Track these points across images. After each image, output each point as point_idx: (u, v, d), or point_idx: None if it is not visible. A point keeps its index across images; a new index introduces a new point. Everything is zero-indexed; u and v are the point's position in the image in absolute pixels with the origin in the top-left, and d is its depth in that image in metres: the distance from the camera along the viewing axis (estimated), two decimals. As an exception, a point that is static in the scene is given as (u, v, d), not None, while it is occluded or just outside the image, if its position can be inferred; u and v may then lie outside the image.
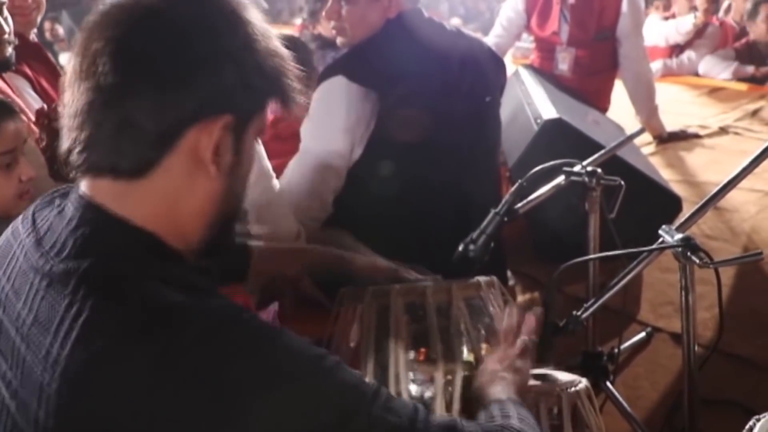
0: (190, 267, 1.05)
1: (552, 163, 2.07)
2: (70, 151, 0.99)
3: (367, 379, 1.06)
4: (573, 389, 1.49)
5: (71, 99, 0.98)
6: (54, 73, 2.68)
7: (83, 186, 1.01)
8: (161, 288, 0.93)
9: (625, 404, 2.27)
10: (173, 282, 0.95)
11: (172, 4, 0.97)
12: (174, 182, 0.99)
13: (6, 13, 2.15)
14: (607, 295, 1.79)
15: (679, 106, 5.59)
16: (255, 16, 1.03)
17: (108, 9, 0.98)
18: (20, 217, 1.10)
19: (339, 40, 2.36)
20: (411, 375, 1.54)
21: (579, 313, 1.75)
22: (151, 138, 0.96)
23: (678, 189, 3.66)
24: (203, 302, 0.94)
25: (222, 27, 0.99)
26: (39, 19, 2.78)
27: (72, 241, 0.96)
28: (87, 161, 0.98)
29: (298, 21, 9.27)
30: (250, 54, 1.00)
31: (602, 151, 2.35)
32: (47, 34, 7.67)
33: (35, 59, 2.58)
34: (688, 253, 1.64)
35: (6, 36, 2.15)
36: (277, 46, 1.05)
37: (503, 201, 2.01)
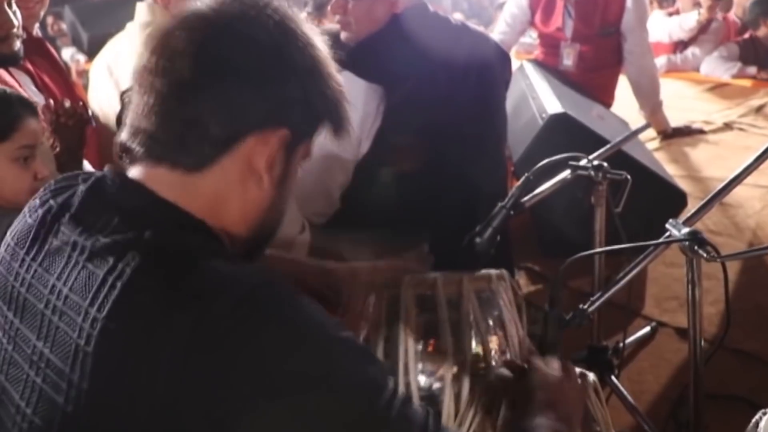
0: (232, 252, 1.07)
1: (558, 156, 2.07)
2: (129, 140, 1.03)
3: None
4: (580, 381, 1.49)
5: (140, 93, 1.02)
6: (56, 68, 2.68)
7: (133, 172, 1.04)
8: (207, 256, 0.95)
9: (629, 398, 2.27)
10: (219, 254, 0.98)
11: (251, 18, 1.02)
12: (226, 183, 1.03)
13: (15, 6, 2.14)
14: (614, 289, 1.79)
15: (683, 101, 5.58)
16: (321, 44, 1.08)
17: (189, 15, 1.03)
18: (35, 201, 1.11)
19: (343, 35, 2.34)
20: (420, 366, 1.55)
21: (585, 306, 1.75)
22: (214, 138, 1.00)
23: (682, 184, 3.66)
24: (245, 270, 0.95)
25: (293, 46, 1.03)
26: (42, 13, 2.78)
27: (117, 218, 0.98)
28: (149, 150, 1.02)
29: (302, 15, 9.27)
30: (314, 76, 1.05)
31: (608, 146, 2.35)
32: (50, 29, 7.66)
33: (38, 54, 2.57)
34: (696, 247, 1.64)
35: (15, 30, 2.15)
36: (337, 75, 1.09)
37: (509, 194, 2.01)
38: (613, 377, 2.32)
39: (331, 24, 2.43)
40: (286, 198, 1.12)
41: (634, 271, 1.81)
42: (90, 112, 2.23)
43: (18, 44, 2.18)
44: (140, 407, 0.86)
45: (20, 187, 1.79)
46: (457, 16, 7.64)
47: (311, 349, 0.91)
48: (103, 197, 1.02)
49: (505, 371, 1.46)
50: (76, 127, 2.13)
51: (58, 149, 2.09)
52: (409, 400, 1.01)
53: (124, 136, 1.04)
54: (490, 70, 2.44)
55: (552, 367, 1.39)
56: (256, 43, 1.01)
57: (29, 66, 2.45)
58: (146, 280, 0.91)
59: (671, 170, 3.97)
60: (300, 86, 1.03)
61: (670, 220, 1.74)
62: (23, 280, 1.03)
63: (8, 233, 1.11)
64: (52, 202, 1.07)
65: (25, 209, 1.12)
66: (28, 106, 1.83)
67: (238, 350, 0.87)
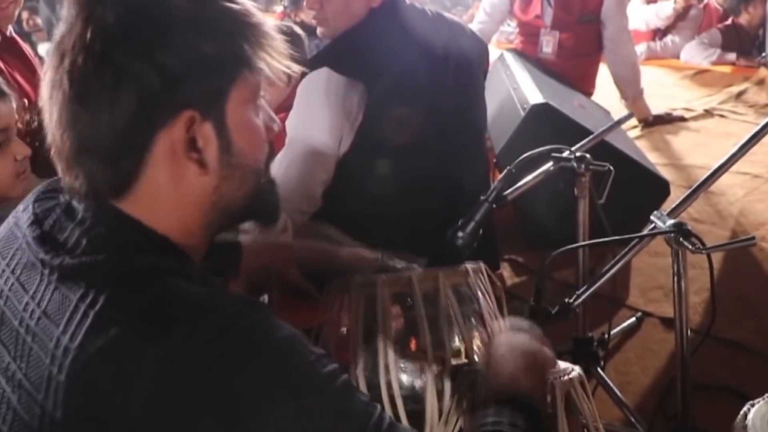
0: (201, 267, 1.04)
1: (541, 149, 2.06)
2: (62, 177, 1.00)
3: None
4: (566, 377, 1.48)
5: (48, 120, 0.98)
6: (29, 67, 2.65)
7: None
8: (179, 281, 0.91)
9: (616, 390, 2.27)
10: (189, 276, 0.94)
11: (80, 26, 0.93)
12: (163, 188, 0.97)
13: None
14: (599, 282, 1.77)
15: (663, 89, 5.60)
16: None
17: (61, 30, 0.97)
18: (21, 207, 1.08)
19: (319, 31, 2.31)
20: (401, 365, 1.53)
21: (571, 300, 1.73)
22: (111, 160, 0.95)
23: (664, 172, 3.65)
24: (220, 297, 0.93)
25: (128, 30, 0.92)
26: (16, 13, 2.74)
27: (86, 239, 0.94)
28: (71, 188, 0.98)
29: (278, 9, 9.23)
30: (168, 45, 0.93)
31: (591, 137, 2.33)
32: (25, 25, 7.59)
33: (10, 53, 2.54)
34: (681, 239, 1.63)
35: None
36: (217, 15, 0.97)
37: (492, 187, 1.99)
38: (599, 369, 2.31)
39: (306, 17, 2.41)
40: (248, 157, 1.03)
41: (620, 264, 1.79)
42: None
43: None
44: None
45: (2, 173, 1.76)
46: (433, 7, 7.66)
47: (296, 379, 0.90)
48: (73, 215, 0.98)
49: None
50: (34, 131, 2.08)
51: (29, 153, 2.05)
52: (396, 423, 1.01)
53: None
54: (468, 59, 2.43)
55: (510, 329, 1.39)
56: (93, 49, 0.92)
57: (1, 65, 2.41)
58: (119, 310, 0.88)
59: (653, 158, 3.97)
60: (155, 66, 0.91)
61: (655, 212, 1.73)
62: (2, 291, 1.00)
63: None
64: (31, 210, 1.03)
65: (11, 216, 1.08)
66: None
67: (219, 381, 0.85)
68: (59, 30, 0.96)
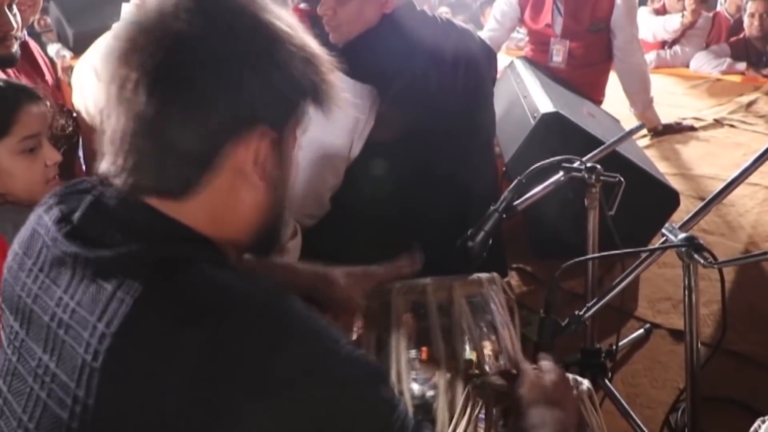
0: (236, 264, 1.05)
1: (551, 159, 2.05)
2: (112, 173, 0.99)
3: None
4: (574, 391, 1.48)
5: (110, 125, 0.98)
6: (37, 70, 2.65)
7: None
8: (212, 268, 0.93)
9: (623, 402, 2.25)
10: (223, 265, 0.97)
11: (199, 29, 0.96)
12: (220, 197, 1.00)
13: (15, 9, 2.12)
14: (609, 295, 1.77)
15: (672, 98, 5.59)
16: (276, 15, 1.01)
17: (137, 35, 0.96)
18: (40, 209, 1.09)
19: (332, 37, 2.32)
20: (413, 374, 1.53)
21: (581, 312, 1.73)
22: (191, 161, 0.96)
23: (674, 182, 3.65)
24: (256, 285, 0.94)
25: (241, 39, 0.96)
26: (31, 20, 2.74)
27: (121, 233, 0.96)
28: (133, 185, 0.98)
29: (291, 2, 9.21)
30: (272, 61, 0.98)
31: (601, 147, 2.33)
32: (36, 25, 7.59)
33: (21, 57, 2.54)
34: (693, 253, 1.62)
35: (14, 32, 2.12)
36: (305, 43, 1.02)
37: (502, 198, 1.98)
38: (606, 380, 2.30)
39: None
40: (286, 189, 1.08)
41: (630, 277, 1.79)
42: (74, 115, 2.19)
43: (16, 46, 2.17)
44: (149, 424, 0.86)
45: (32, 179, 1.76)
46: (443, 9, 7.65)
47: (330, 367, 0.91)
48: (104, 211, 1.00)
49: (497, 379, 1.45)
50: (68, 136, 2.08)
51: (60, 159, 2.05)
52: (420, 422, 1.02)
53: (104, 167, 1.00)
54: (477, 65, 2.44)
55: (544, 369, 1.39)
56: (204, 55, 0.95)
57: (10, 69, 2.41)
58: (157, 296, 0.90)
59: (662, 168, 3.96)
60: (257, 79, 0.96)
61: (667, 225, 1.72)
62: (30, 290, 1.02)
63: (15, 241, 1.10)
64: (56, 210, 1.04)
65: (31, 217, 1.10)
66: (26, 93, 1.77)
67: (255, 366, 0.86)
68: (146, 14, 0.97)
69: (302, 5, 3.35)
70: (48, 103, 1.81)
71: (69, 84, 2.63)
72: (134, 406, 0.86)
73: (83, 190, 1.06)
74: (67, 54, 5.88)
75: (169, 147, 0.95)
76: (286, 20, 1.02)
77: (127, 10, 2.53)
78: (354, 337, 1.66)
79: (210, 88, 0.94)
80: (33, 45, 2.82)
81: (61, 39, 6.81)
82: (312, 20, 3.23)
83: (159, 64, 0.94)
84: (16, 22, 2.13)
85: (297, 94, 1.02)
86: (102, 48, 1.00)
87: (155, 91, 0.94)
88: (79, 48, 5.52)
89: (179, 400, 0.84)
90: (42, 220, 1.05)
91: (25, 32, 2.73)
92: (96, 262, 0.94)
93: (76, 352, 0.91)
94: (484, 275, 1.71)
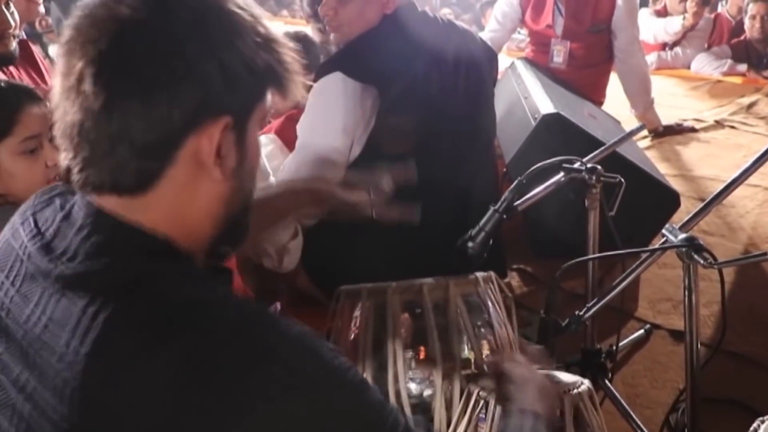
0: (204, 269, 1.03)
1: (552, 160, 2.05)
2: (68, 169, 0.97)
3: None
4: (575, 391, 1.48)
5: (62, 118, 0.95)
6: (37, 70, 2.65)
7: (90, 196, 0.99)
8: (184, 285, 0.92)
9: (624, 402, 2.25)
10: (192, 278, 0.95)
11: (146, 13, 0.92)
12: (180, 190, 0.97)
13: (12, 7, 2.12)
14: (609, 296, 1.77)
15: (673, 99, 5.58)
16: (238, 4, 0.98)
17: (82, 24, 0.94)
18: (17, 217, 1.07)
19: (333, 37, 2.33)
20: (410, 374, 1.54)
21: (581, 313, 1.73)
22: (146, 153, 0.93)
23: (674, 183, 3.64)
24: (228, 298, 0.93)
25: (200, 28, 0.94)
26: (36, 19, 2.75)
27: (85, 247, 0.94)
28: (88, 181, 0.96)
29: (285, 12, 9.22)
30: (234, 50, 0.95)
31: (602, 148, 2.33)
32: (37, 25, 7.60)
33: (22, 58, 2.55)
34: (693, 254, 1.62)
35: (11, 30, 2.12)
36: (268, 32, 1.00)
37: (502, 198, 1.98)
38: (606, 381, 2.30)
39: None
40: (252, 175, 1.06)
41: (630, 278, 1.79)
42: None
43: (14, 44, 2.17)
44: None
45: (33, 180, 1.76)
46: (446, 11, 7.66)
47: (312, 373, 0.90)
48: (72, 222, 0.98)
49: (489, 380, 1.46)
50: None
51: None
52: (411, 426, 1.01)
53: (62, 161, 0.98)
54: (478, 67, 2.45)
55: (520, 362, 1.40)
56: (157, 42, 0.92)
57: (11, 68, 2.42)
58: (126, 316, 0.88)
59: (663, 169, 3.95)
60: (219, 68, 0.93)
61: (667, 226, 1.72)
62: (2, 304, 0.99)
63: None
64: (31, 221, 1.03)
65: (7, 227, 1.08)
66: (27, 94, 1.77)
67: (235, 381, 0.85)
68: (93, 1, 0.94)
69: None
70: (48, 104, 1.81)
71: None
72: (116, 425, 0.85)
73: (57, 195, 1.05)
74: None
75: (120, 140, 0.92)
76: (248, 8, 0.99)
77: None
78: (351, 336, 1.66)
79: (163, 77, 0.91)
80: (33, 48, 2.82)
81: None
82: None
83: (102, 52, 0.91)
84: (14, 20, 2.13)
85: (259, 83, 1.00)
86: None
87: (100, 80, 0.90)
88: (80, 48, 5.52)
89: (156, 420, 0.84)
90: (17, 233, 1.04)
91: (23, 33, 2.74)
92: (65, 278, 0.93)
93: (55, 368, 0.89)
94: (480, 274, 1.71)
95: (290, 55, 1.02)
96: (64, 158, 0.97)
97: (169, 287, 0.91)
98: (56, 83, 0.96)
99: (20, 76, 2.44)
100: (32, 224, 1.02)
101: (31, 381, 0.92)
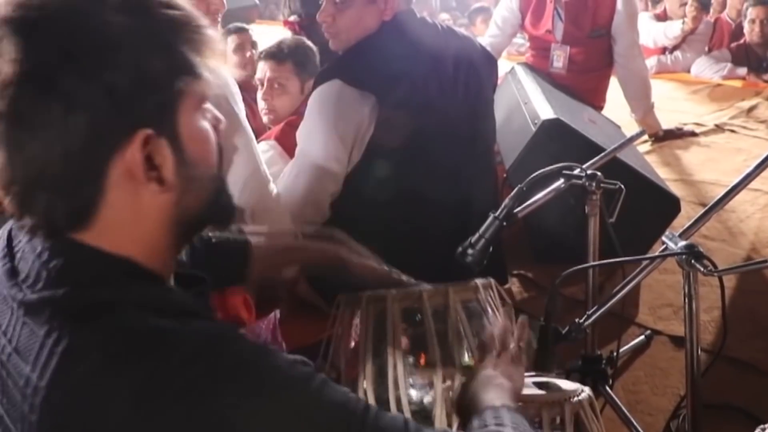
0: (171, 289, 1.02)
1: (552, 167, 2.05)
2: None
3: (359, 394, 1.04)
4: (576, 399, 1.47)
5: None
6: None
7: None
8: (142, 313, 0.89)
9: (624, 409, 2.25)
10: (154, 305, 0.91)
11: (17, 59, 0.85)
12: (123, 212, 0.93)
13: None
14: (609, 303, 1.76)
15: (673, 103, 5.59)
16: (114, 7, 0.89)
17: None
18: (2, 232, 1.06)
19: (332, 44, 2.33)
20: (410, 380, 1.53)
21: (581, 320, 1.73)
22: (68, 193, 0.90)
23: (675, 188, 3.64)
24: (186, 325, 0.90)
25: (70, 58, 0.86)
26: None
27: (46, 272, 0.91)
28: (29, 226, 0.93)
29: (281, 16, 9.18)
30: (116, 67, 0.87)
31: (602, 155, 2.33)
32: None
33: None
34: (693, 261, 1.62)
35: None
36: (162, 18, 0.92)
37: (502, 205, 1.98)
38: (607, 387, 2.30)
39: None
40: (203, 168, 0.99)
41: (631, 285, 1.78)
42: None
43: None
44: None
45: None
46: (444, 17, 7.66)
47: (272, 387, 0.90)
48: (34, 247, 0.95)
49: None
50: None
51: None
52: (381, 410, 1.01)
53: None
54: (478, 72, 2.44)
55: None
56: (36, 83, 0.85)
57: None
58: (84, 348, 0.86)
59: (663, 174, 3.95)
60: (107, 90, 0.86)
61: (667, 233, 1.72)
62: None
63: None
64: (6, 243, 1.01)
65: None
66: None
67: (193, 407, 0.85)
68: None
69: (292, 17, 3.36)
70: None
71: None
72: None
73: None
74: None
75: (36, 187, 0.89)
76: (128, 10, 0.90)
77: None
78: (351, 344, 1.66)
79: (46, 119, 0.86)
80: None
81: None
82: (305, 31, 3.24)
83: (18, 87, 0.86)
84: None
85: (166, 82, 0.92)
86: None
87: (17, 115, 0.86)
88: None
89: None
90: None
91: None
92: (24, 305, 0.91)
93: (17, 400, 0.89)
94: (479, 280, 1.71)
95: (198, 33, 0.95)
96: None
97: (128, 315, 0.89)
98: None
99: None
100: (5, 244, 1.00)
101: (3, 407, 0.92)
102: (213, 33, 0.98)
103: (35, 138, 0.86)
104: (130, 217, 0.94)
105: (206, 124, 1.00)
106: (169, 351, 0.86)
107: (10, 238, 1.01)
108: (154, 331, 0.88)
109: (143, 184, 0.92)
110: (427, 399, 1.51)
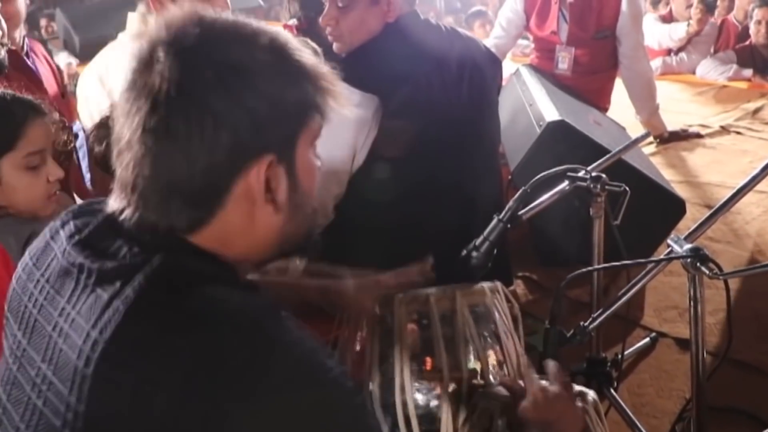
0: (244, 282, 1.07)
1: (556, 169, 2.04)
2: (122, 208, 1.01)
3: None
4: (579, 402, 1.47)
5: (124, 163, 0.99)
6: (36, 82, 2.63)
7: None
8: (215, 284, 0.96)
9: (629, 412, 2.25)
10: (228, 282, 0.98)
11: (175, 79, 0.95)
12: (233, 227, 1.01)
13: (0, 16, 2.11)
14: (614, 306, 1.76)
15: (678, 104, 5.58)
16: (262, 47, 1.01)
17: (133, 85, 0.98)
18: (58, 222, 1.10)
19: (335, 46, 2.32)
20: (417, 384, 1.53)
21: (586, 324, 1.72)
22: (196, 202, 0.98)
23: (680, 190, 3.64)
24: (246, 300, 0.96)
25: (223, 84, 0.96)
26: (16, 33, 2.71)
27: (127, 246, 0.98)
28: (142, 222, 0.99)
29: (284, 19, 9.20)
30: (260, 95, 0.98)
31: (607, 156, 2.32)
32: (44, 32, 7.66)
33: (13, 68, 2.54)
34: (698, 264, 1.61)
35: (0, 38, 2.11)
36: (296, 65, 1.02)
37: (507, 207, 1.98)
38: (612, 390, 2.29)
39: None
40: (308, 197, 1.08)
41: (636, 288, 1.78)
42: (79, 125, 2.19)
43: (2, 53, 2.15)
44: (138, 430, 0.87)
45: (33, 194, 1.76)
46: (449, 20, 7.65)
47: (313, 390, 0.91)
48: (116, 227, 1.01)
49: (502, 390, 1.45)
50: (68, 152, 2.08)
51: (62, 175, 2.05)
52: None
53: (112, 203, 1.02)
54: (482, 74, 2.44)
55: (549, 379, 1.40)
56: (192, 102, 0.95)
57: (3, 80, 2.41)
58: (150, 305, 0.92)
59: (668, 175, 3.95)
60: (249, 114, 0.97)
61: (672, 236, 1.71)
62: (36, 300, 1.03)
63: (27, 252, 1.12)
64: (71, 225, 1.07)
65: (47, 229, 1.11)
66: (33, 108, 1.77)
67: (241, 376, 0.87)
68: (138, 70, 0.98)
69: (291, 21, 3.36)
70: (53, 118, 1.81)
71: (74, 94, 2.63)
72: (124, 412, 0.87)
73: (99, 209, 1.07)
74: (74, 61, 5.90)
75: (171, 193, 0.97)
76: (274, 50, 1.01)
77: (131, 21, 2.54)
78: (357, 347, 1.66)
79: (197, 133, 0.95)
80: (40, 51, 2.80)
81: (68, 46, 6.84)
82: (304, 35, 3.24)
83: (144, 116, 0.95)
84: (1, 29, 2.11)
85: (295, 115, 1.02)
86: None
87: (147, 141, 0.95)
88: (85, 55, 5.55)
89: (168, 406, 0.85)
90: (58, 234, 1.07)
91: (27, 42, 2.72)
92: (99, 272, 0.96)
93: (70, 359, 0.92)
94: (486, 284, 1.70)
95: (326, 78, 1.05)
96: (115, 199, 1.02)
97: (195, 283, 0.94)
98: (119, 124, 1.00)
99: (10, 86, 2.43)
100: (72, 227, 1.06)
101: (48, 374, 0.95)
102: (333, 77, 1.07)
103: (182, 150, 0.95)
104: (240, 231, 1.02)
105: (315, 159, 1.09)
106: (232, 324, 0.91)
107: (76, 223, 1.07)
108: (217, 298, 0.94)
109: (259, 204, 1.01)
110: (433, 403, 1.51)
